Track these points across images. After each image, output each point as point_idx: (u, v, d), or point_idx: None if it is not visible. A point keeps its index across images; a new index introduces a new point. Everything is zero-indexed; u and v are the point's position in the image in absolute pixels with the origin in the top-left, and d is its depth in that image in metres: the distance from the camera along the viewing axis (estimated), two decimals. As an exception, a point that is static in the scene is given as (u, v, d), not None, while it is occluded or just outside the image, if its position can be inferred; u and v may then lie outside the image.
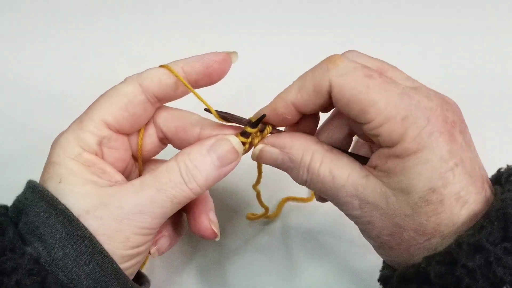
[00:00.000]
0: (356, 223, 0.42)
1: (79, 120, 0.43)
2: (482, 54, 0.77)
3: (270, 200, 0.61)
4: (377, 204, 0.38)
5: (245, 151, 0.44)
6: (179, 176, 0.40)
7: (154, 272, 0.56)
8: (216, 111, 0.44)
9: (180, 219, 0.49)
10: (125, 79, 0.44)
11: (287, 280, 0.56)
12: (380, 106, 0.37)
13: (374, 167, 0.40)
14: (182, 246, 0.58)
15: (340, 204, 0.41)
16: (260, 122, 0.43)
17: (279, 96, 0.42)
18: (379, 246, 0.41)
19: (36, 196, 0.39)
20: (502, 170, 0.42)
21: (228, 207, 0.62)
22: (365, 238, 0.43)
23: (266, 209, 0.57)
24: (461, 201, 0.37)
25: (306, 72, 0.41)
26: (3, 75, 0.73)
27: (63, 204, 0.38)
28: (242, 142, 0.43)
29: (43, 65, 0.74)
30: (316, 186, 0.42)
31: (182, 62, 0.44)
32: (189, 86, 0.43)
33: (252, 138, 0.44)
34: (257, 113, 0.44)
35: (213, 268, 0.57)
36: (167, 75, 0.43)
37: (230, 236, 0.59)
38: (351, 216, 0.41)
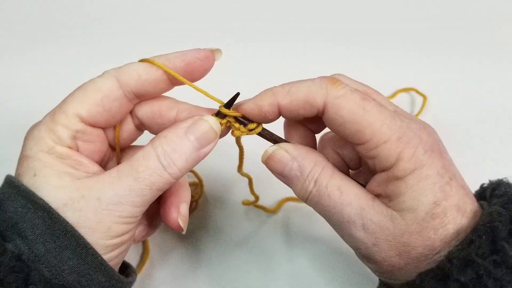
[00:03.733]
0: (358, 249, 0.41)
1: (52, 112, 0.41)
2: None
3: (270, 200, 0.61)
4: (383, 225, 0.38)
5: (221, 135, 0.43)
6: (157, 162, 0.39)
7: (153, 271, 0.56)
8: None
9: (158, 209, 0.48)
10: (103, 73, 0.42)
11: (286, 279, 0.56)
12: (376, 127, 0.38)
13: (378, 195, 0.40)
14: (181, 244, 0.58)
15: (342, 222, 0.40)
16: (233, 104, 0.42)
17: (267, 92, 0.41)
18: (387, 270, 0.40)
19: (13, 191, 0.38)
20: (485, 185, 0.43)
21: (226, 203, 0.61)
22: (368, 263, 0.42)
23: (256, 197, 0.56)
24: (461, 211, 0.38)
25: (302, 81, 0.41)
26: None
27: (41, 198, 0.38)
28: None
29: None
30: (320, 200, 0.41)
31: (163, 58, 0.42)
32: (180, 77, 0.42)
33: (233, 128, 0.43)
34: (240, 103, 0.43)
35: (211, 266, 0.57)
36: (146, 70, 0.42)
37: (229, 235, 0.59)
38: (353, 239, 0.40)
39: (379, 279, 0.44)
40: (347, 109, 0.39)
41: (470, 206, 0.39)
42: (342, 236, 0.42)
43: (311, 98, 0.40)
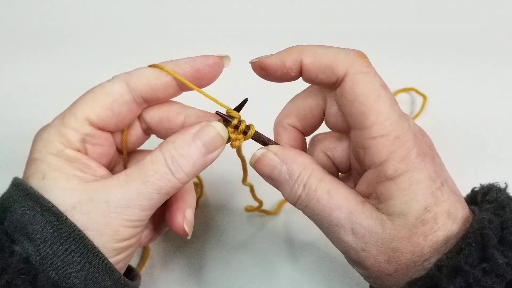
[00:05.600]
0: (347, 253, 0.40)
1: (62, 116, 0.42)
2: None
3: (270, 200, 0.61)
4: (372, 230, 0.38)
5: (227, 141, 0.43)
6: (165, 167, 0.39)
7: (154, 272, 0.57)
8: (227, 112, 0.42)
9: (163, 213, 0.47)
10: (113, 78, 0.43)
11: (288, 281, 0.56)
12: (380, 119, 0.37)
13: (368, 196, 0.40)
14: (182, 245, 0.58)
15: (331, 226, 0.40)
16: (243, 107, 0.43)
17: (292, 48, 0.41)
18: (375, 276, 0.40)
19: (21, 193, 0.38)
20: (476, 189, 0.42)
21: (228, 206, 0.62)
22: (357, 268, 0.41)
23: (260, 202, 0.57)
24: (452, 217, 0.38)
25: (330, 46, 0.40)
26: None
27: (49, 201, 0.38)
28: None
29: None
30: (309, 203, 0.40)
31: (172, 64, 0.43)
32: (189, 83, 0.42)
33: (231, 140, 0.43)
34: (263, 58, 0.41)
35: (212, 267, 0.57)
36: (156, 75, 0.42)
37: (230, 235, 0.59)
38: (342, 243, 0.40)
39: (369, 285, 0.44)
40: (363, 87, 0.38)
41: (461, 212, 0.38)
42: (332, 240, 0.41)
43: (335, 64, 0.39)
